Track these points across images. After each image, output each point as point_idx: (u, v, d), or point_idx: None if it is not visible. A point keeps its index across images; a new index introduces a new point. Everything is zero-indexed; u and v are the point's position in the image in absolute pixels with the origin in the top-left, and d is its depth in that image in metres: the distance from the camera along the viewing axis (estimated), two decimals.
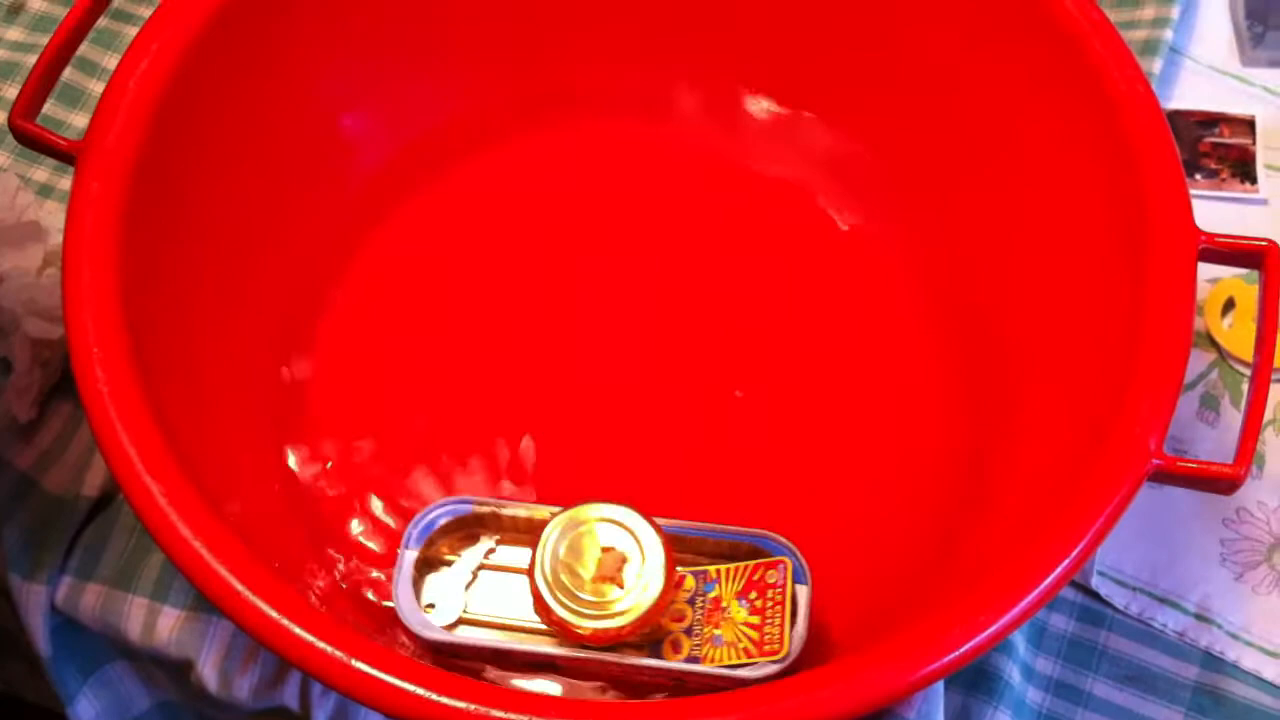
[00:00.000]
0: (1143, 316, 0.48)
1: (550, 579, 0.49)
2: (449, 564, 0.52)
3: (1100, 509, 0.44)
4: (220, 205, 0.53)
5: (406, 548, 0.51)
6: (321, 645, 0.41)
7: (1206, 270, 0.49)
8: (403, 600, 0.50)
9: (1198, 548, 0.57)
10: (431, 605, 0.51)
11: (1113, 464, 0.45)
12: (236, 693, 0.53)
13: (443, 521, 0.51)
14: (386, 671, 0.41)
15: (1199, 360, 0.60)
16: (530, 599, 0.50)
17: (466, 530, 0.52)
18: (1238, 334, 0.61)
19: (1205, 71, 0.67)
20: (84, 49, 0.62)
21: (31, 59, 0.64)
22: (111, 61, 0.66)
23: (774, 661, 0.48)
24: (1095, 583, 0.56)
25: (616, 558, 0.49)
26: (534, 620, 0.50)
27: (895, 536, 0.54)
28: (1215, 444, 0.58)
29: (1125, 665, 0.55)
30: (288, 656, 0.41)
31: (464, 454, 0.56)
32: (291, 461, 0.55)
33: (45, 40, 0.52)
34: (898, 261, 0.60)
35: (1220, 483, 0.46)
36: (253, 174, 0.55)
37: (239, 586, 0.42)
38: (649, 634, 0.49)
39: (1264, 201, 0.64)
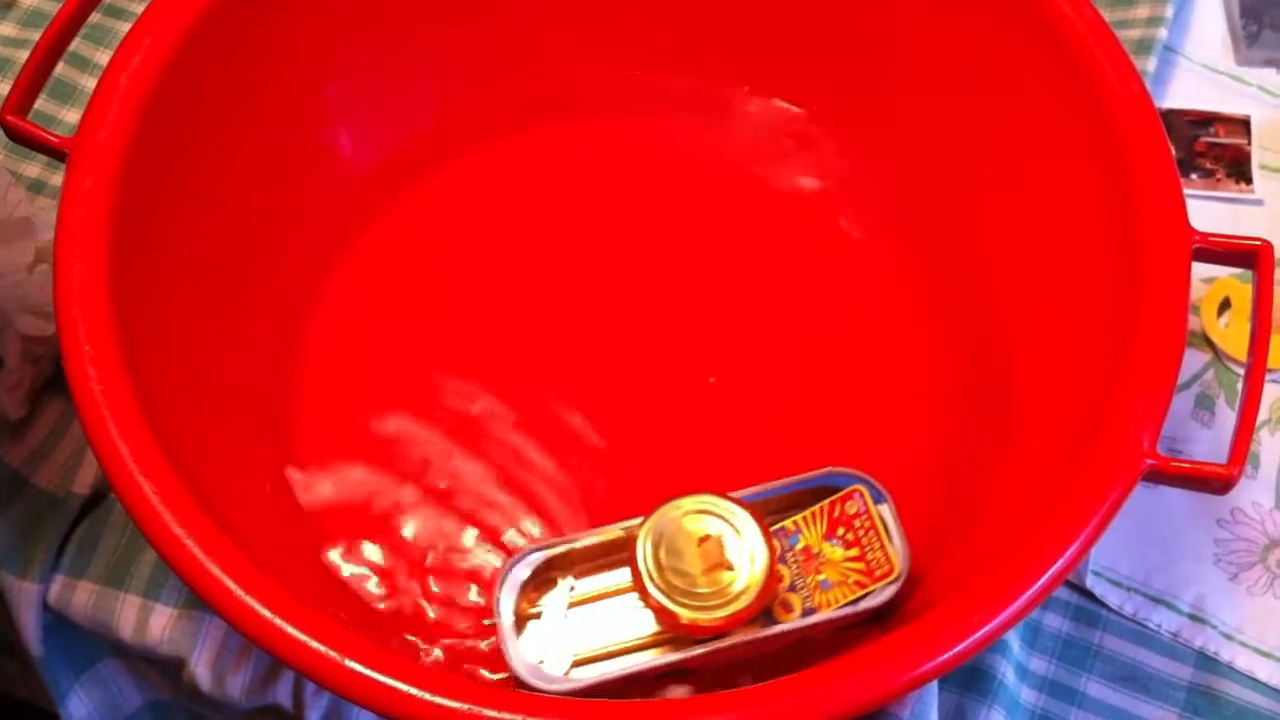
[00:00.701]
0: (1137, 315, 0.47)
1: (665, 588, 0.48)
2: (536, 616, 0.50)
3: (1094, 508, 0.44)
4: (213, 202, 0.53)
5: (500, 615, 0.49)
6: (314, 645, 0.41)
7: (1202, 270, 0.49)
8: (521, 668, 0.48)
9: (1192, 548, 0.57)
10: (541, 661, 0.49)
11: (1107, 463, 0.45)
12: (229, 691, 0.53)
13: (525, 576, 0.50)
14: (379, 671, 0.41)
15: (1194, 360, 0.60)
16: (631, 618, 0.49)
17: (539, 577, 0.50)
18: (1233, 334, 0.61)
19: (1200, 70, 0.67)
20: (76, 44, 0.62)
21: (23, 54, 0.64)
22: (104, 57, 0.65)
23: (890, 584, 0.49)
24: (1090, 583, 0.56)
25: (715, 543, 0.49)
26: (644, 635, 0.49)
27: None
28: (1210, 444, 0.58)
29: (1119, 665, 0.55)
30: (280, 655, 0.41)
31: (464, 454, 0.56)
32: (283, 460, 0.55)
33: (37, 35, 0.52)
34: (893, 261, 0.60)
35: (1214, 483, 0.46)
36: (246, 171, 0.54)
37: (231, 585, 0.42)
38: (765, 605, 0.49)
39: (1259, 202, 0.64)
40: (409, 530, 0.54)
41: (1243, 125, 0.65)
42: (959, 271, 0.58)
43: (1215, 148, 0.65)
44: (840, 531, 0.50)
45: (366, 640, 0.42)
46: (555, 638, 0.49)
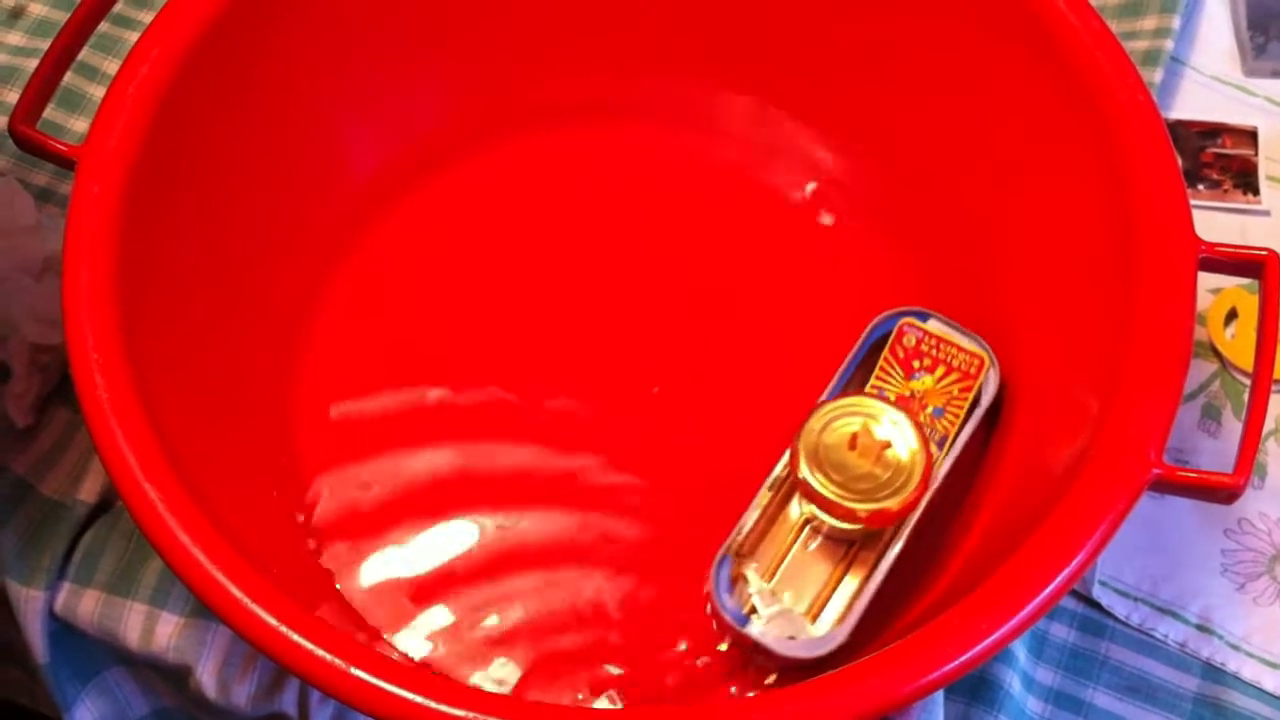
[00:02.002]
0: (1142, 324, 0.47)
1: (860, 496, 0.49)
2: (753, 609, 0.51)
3: (1100, 518, 0.44)
4: (219, 209, 0.53)
5: (737, 621, 0.50)
6: (320, 652, 0.41)
7: (1209, 280, 0.49)
8: (796, 650, 0.49)
9: (1199, 558, 0.57)
10: (792, 636, 0.50)
11: (1113, 472, 0.45)
12: (235, 699, 0.53)
13: (726, 575, 0.51)
14: (384, 679, 0.41)
15: (1201, 370, 0.60)
16: (818, 557, 0.51)
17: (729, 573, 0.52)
18: (1240, 344, 0.60)
19: (1207, 82, 0.67)
20: (84, 54, 0.62)
21: (32, 63, 0.64)
22: (112, 66, 0.66)
23: (988, 371, 0.53)
24: (1096, 592, 0.56)
25: (866, 435, 0.50)
26: (841, 561, 0.51)
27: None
28: (1217, 455, 0.58)
29: (1126, 675, 0.55)
30: (286, 663, 0.41)
31: (471, 460, 0.56)
32: (290, 466, 0.55)
33: (45, 45, 0.52)
34: (892, 271, 0.60)
35: (1220, 492, 0.46)
36: (251, 178, 0.55)
37: (237, 593, 0.42)
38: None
39: (1266, 213, 0.64)
40: (415, 537, 0.54)
41: (1250, 136, 0.65)
42: (960, 279, 0.58)
43: (1222, 159, 0.65)
44: (915, 364, 0.52)
45: (372, 648, 0.42)
46: (786, 613, 0.50)
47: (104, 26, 0.65)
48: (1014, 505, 0.50)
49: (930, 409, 0.52)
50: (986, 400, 0.53)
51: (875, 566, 0.51)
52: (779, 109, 0.63)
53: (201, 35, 0.50)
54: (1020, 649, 0.54)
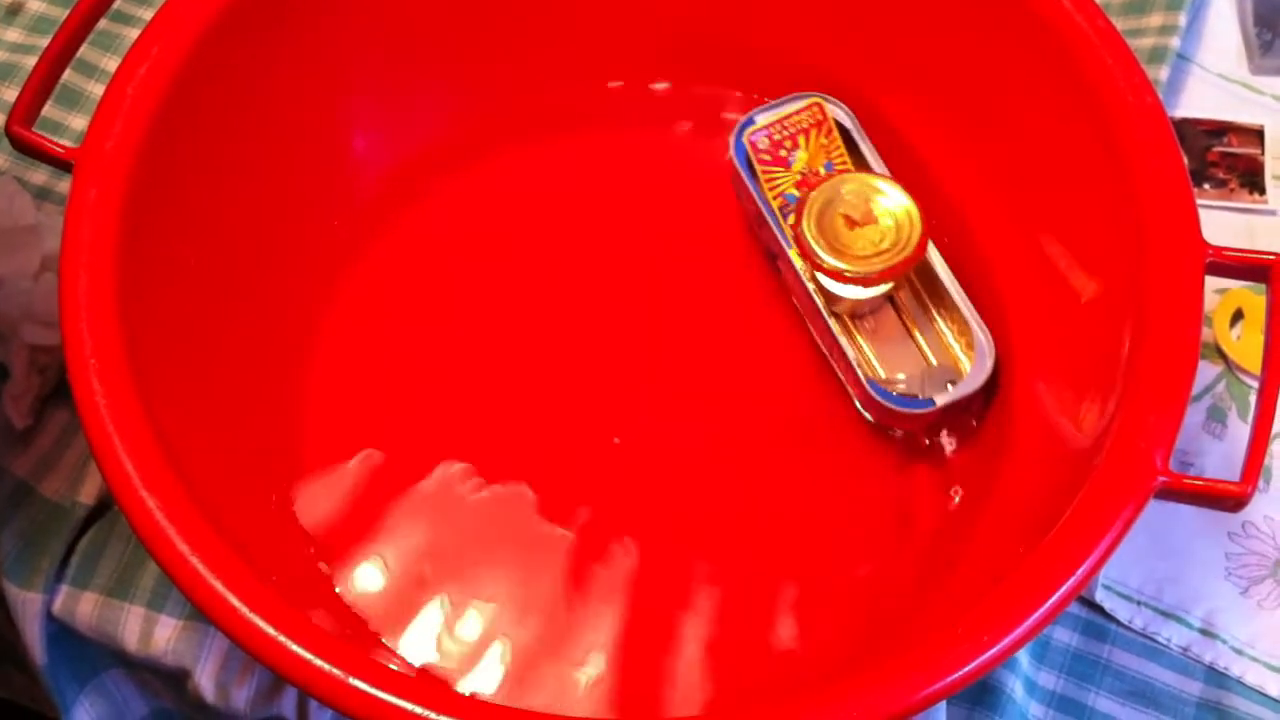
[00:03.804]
0: (1149, 330, 0.47)
1: (886, 261, 0.53)
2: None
3: (1107, 526, 0.44)
4: (218, 213, 0.53)
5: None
6: (318, 662, 0.41)
7: (1215, 280, 0.49)
8: (949, 394, 0.54)
9: (1203, 562, 0.57)
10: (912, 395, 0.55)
11: (1119, 480, 0.45)
12: (234, 703, 0.53)
13: None
14: (384, 689, 0.40)
15: (1206, 372, 0.60)
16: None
17: None
18: (1246, 346, 0.60)
19: (1214, 79, 0.67)
20: (83, 51, 0.62)
21: (30, 60, 0.64)
22: (111, 64, 0.65)
23: (828, 106, 0.58)
24: (1099, 596, 0.56)
25: (857, 206, 0.54)
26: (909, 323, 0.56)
27: (896, 553, 0.54)
28: (1222, 457, 0.58)
29: (1128, 680, 0.55)
30: (283, 672, 0.41)
31: (473, 469, 0.56)
32: (289, 473, 0.55)
33: (44, 41, 0.51)
34: None
35: (1227, 500, 0.45)
36: (252, 182, 0.54)
37: (234, 601, 0.42)
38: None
39: (1273, 212, 0.63)
40: (416, 543, 0.54)
41: (1256, 135, 0.65)
42: (964, 281, 0.57)
43: (1228, 158, 0.64)
44: (782, 153, 0.57)
45: (370, 656, 0.42)
46: (929, 371, 0.55)
47: (103, 23, 0.65)
48: (1020, 511, 0.50)
49: (822, 169, 0.56)
50: (851, 123, 0.58)
51: (939, 297, 0.56)
52: None
53: (201, 36, 0.50)
54: (1023, 653, 0.54)
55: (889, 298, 0.57)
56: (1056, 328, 0.53)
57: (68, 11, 0.51)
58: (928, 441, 0.56)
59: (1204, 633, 0.55)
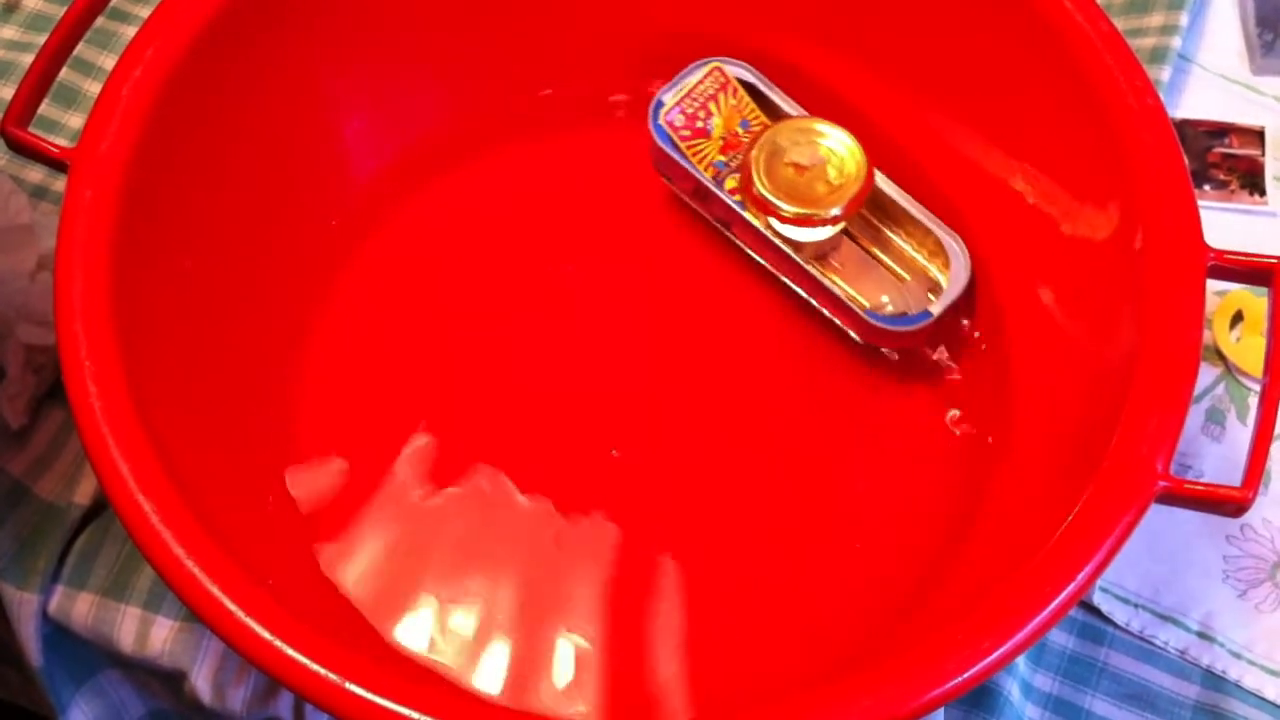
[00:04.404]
0: (1150, 335, 0.47)
1: (820, 208, 0.55)
2: None
3: (1107, 531, 0.44)
4: (214, 213, 0.52)
5: None
6: (314, 667, 0.40)
7: (1215, 282, 0.49)
8: (937, 303, 0.56)
9: (1200, 565, 0.56)
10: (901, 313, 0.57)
11: (1119, 485, 0.45)
12: (230, 705, 0.53)
13: None
14: (380, 694, 0.40)
15: (1206, 374, 0.60)
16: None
17: None
18: (1245, 348, 0.60)
19: (1215, 80, 0.66)
20: (80, 49, 0.61)
21: (26, 58, 0.64)
22: (107, 62, 0.65)
23: (728, 67, 0.59)
24: (1097, 599, 0.55)
25: (803, 152, 0.56)
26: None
27: (894, 560, 0.54)
28: (1221, 460, 0.58)
29: (1125, 683, 0.55)
30: (279, 677, 0.41)
31: (458, 463, 0.55)
32: (286, 475, 0.54)
33: (40, 39, 0.51)
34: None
35: (1228, 505, 0.45)
36: (247, 181, 0.54)
37: (230, 605, 0.41)
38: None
39: (1273, 214, 0.63)
40: (411, 544, 0.54)
41: (1257, 136, 0.65)
42: (969, 284, 0.57)
43: (1229, 159, 0.64)
44: (699, 124, 0.58)
45: (367, 660, 0.41)
46: (907, 286, 0.57)
47: (100, 21, 0.64)
48: (1019, 515, 0.50)
49: (741, 128, 0.57)
50: (754, 77, 0.59)
51: (890, 217, 0.58)
52: None
53: (197, 35, 0.49)
54: (1020, 656, 0.54)
55: (845, 231, 0.58)
56: (1056, 331, 0.53)
57: (64, 9, 0.51)
58: (934, 356, 0.57)
59: (1201, 636, 0.55)
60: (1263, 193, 0.64)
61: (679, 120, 0.58)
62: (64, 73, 0.62)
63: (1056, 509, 0.45)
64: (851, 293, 0.57)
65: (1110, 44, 0.51)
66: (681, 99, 0.58)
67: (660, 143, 0.58)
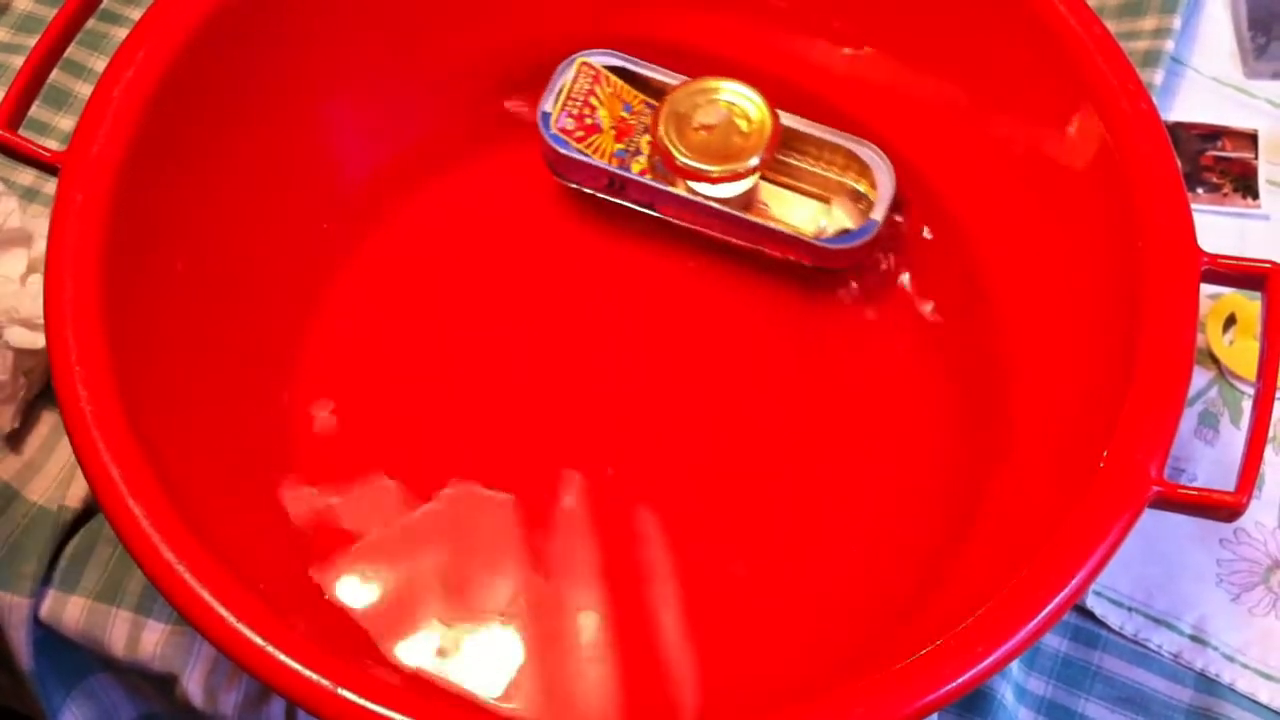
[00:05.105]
0: (1144, 340, 0.47)
1: (743, 160, 0.56)
2: None
3: (1101, 537, 0.44)
4: (206, 217, 0.52)
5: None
6: (306, 673, 0.40)
7: (1209, 285, 0.49)
8: (874, 213, 0.57)
9: (1194, 568, 0.56)
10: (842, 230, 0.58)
11: (1113, 491, 0.45)
12: (222, 709, 0.53)
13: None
14: (371, 699, 0.40)
15: (1199, 377, 0.60)
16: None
17: None
18: (1238, 351, 0.60)
19: (1208, 83, 0.66)
20: (71, 51, 0.61)
21: (17, 60, 0.63)
22: (99, 64, 0.65)
23: (590, 55, 0.60)
24: (1090, 602, 0.55)
25: (707, 113, 0.57)
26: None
27: (891, 566, 0.54)
28: (1214, 464, 0.58)
29: (1119, 686, 0.55)
30: (271, 683, 0.41)
31: (452, 468, 0.55)
32: (277, 480, 0.54)
33: (31, 41, 0.51)
34: (893, 286, 0.59)
35: (1222, 510, 0.45)
36: (239, 183, 0.54)
37: (221, 610, 0.41)
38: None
39: (1266, 217, 0.63)
40: (407, 550, 0.54)
41: (1250, 139, 0.65)
42: (959, 290, 0.57)
43: (1222, 162, 0.64)
44: (587, 121, 0.58)
45: (358, 665, 0.41)
46: (838, 206, 0.59)
47: (91, 22, 0.64)
48: (1017, 518, 0.50)
49: (625, 112, 0.58)
50: (621, 60, 0.60)
51: (794, 147, 0.59)
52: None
53: (188, 38, 0.49)
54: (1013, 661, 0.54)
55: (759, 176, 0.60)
56: (1049, 337, 0.53)
57: (55, 10, 0.51)
58: (884, 265, 0.59)
59: (1195, 639, 0.55)
60: (1255, 196, 0.64)
61: (570, 124, 0.58)
62: (55, 75, 0.61)
63: (1053, 513, 0.45)
64: (794, 225, 0.58)
65: (1103, 47, 0.51)
66: (564, 103, 0.59)
67: (563, 150, 0.58)
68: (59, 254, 0.45)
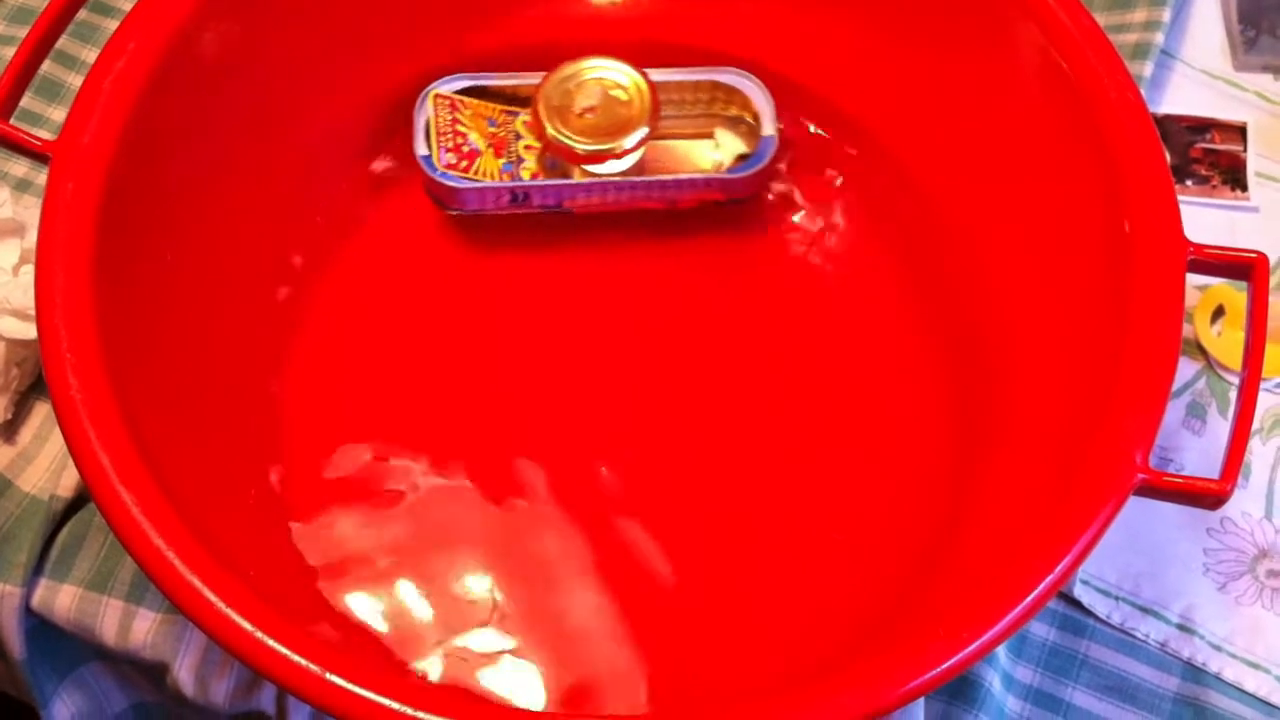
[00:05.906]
0: (1130, 328, 0.47)
1: (634, 130, 0.57)
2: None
3: (1086, 524, 0.44)
4: (197, 207, 0.52)
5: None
6: (295, 658, 0.41)
7: (1196, 276, 0.49)
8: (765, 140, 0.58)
9: (1181, 557, 0.57)
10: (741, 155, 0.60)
11: (1098, 478, 0.45)
12: (213, 697, 0.53)
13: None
14: (360, 685, 0.40)
15: (1186, 368, 0.60)
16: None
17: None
18: (1226, 342, 0.60)
19: (1197, 75, 0.67)
20: (62, 42, 0.61)
21: (8, 51, 0.63)
22: (90, 55, 0.65)
23: (445, 83, 0.59)
24: (1077, 591, 0.56)
25: (586, 95, 0.57)
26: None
27: (877, 553, 0.54)
28: (1201, 454, 0.58)
29: (1106, 675, 0.55)
30: (260, 669, 0.41)
31: (444, 461, 0.55)
32: (268, 468, 0.54)
33: (23, 32, 0.51)
34: (879, 270, 0.59)
35: (1206, 498, 0.46)
36: (231, 174, 0.54)
37: (211, 596, 0.41)
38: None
39: (1255, 209, 0.64)
40: (393, 539, 0.54)
41: (1239, 132, 0.65)
42: (947, 280, 0.57)
43: (1211, 154, 0.64)
44: (463, 147, 0.58)
45: (347, 653, 0.42)
46: (729, 137, 0.61)
47: (82, 14, 0.64)
48: (999, 508, 0.50)
49: (492, 127, 0.59)
50: (464, 80, 0.59)
51: (670, 92, 0.60)
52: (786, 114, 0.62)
53: (179, 28, 0.49)
54: (1000, 647, 0.54)
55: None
56: (1036, 325, 0.53)
57: (47, 2, 0.51)
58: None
59: (1182, 628, 0.56)
60: (1244, 188, 0.64)
61: (452, 159, 0.58)
62: (46, 65, 0.62)
63: (1039, 500, 0.45)
64: (703, 168, 0.60)
65: (1092, 39, 0.52)
66: (437, 139, 0.58)
67: (457, 184, 0.57)
68: (50, 243, 0.45)
